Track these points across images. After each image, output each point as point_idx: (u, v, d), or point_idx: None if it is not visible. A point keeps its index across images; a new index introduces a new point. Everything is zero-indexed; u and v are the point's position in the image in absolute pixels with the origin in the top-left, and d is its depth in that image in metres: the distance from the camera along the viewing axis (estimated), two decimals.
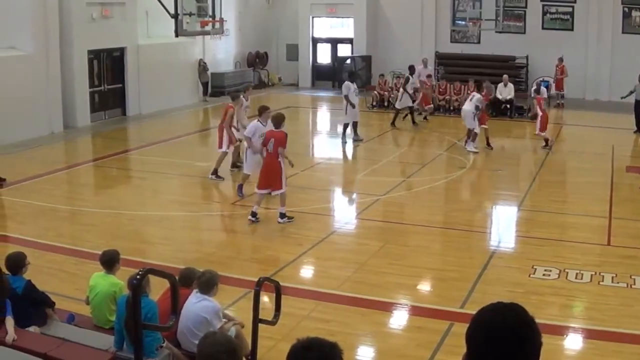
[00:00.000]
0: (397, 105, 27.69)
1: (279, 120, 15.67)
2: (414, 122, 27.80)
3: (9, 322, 8.02)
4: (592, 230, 15.32)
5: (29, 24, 24.36)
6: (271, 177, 15.36)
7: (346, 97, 24.39)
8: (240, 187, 17.69)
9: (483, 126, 23.22)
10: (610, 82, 33.34)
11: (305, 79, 39.49)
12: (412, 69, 28.10)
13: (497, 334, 2.95)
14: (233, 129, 19.51)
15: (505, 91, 29.55)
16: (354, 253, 14.16)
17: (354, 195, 19.07)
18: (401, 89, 27.71)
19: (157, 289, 8.74)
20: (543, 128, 23.07)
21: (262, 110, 17.08)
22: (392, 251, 14.03)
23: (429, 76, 30.32)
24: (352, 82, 24.94)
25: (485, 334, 2.98)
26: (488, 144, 23.39)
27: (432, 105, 29.69)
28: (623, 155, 22.74)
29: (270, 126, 16.01)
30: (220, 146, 19.56)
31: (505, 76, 29.96)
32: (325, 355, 3.53)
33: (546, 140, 23.50)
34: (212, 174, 19.35)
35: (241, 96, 20.72)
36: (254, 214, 15.62)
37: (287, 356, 3.53)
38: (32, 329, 8.47)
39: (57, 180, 19.87)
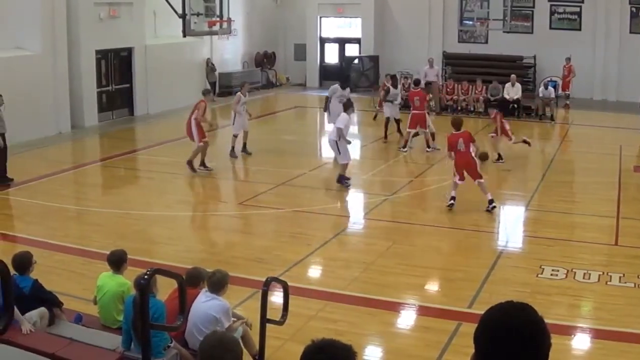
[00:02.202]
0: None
1: (458, 123, 16.99)
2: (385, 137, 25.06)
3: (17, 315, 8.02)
4: (600, 230, 15.29)
5: (37, 24, 24.41)
6: (470, 171, 16.73)
7: (328, 98, 24.33)
8: (343, 177, 18.54)
9: (412, 130, 23.03)
10: (618, 82, 33.33)
11: (312, 79, 39.49)
12: (394, 80, 26.76)
13: (503, 333, 2.93)
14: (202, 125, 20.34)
15: (513, 91, 29.45)
16: (362, 253, 14.15)
17: (362, 195, 19.06)
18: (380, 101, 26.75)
19: (165, 289, 8.75)
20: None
21: (350, 105, 19.04)
22: (399, 251, 14.03)
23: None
24: (343, 88, 24.43)
25: (491, 334, 2.96)
26: (428, 146, 23.17)
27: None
28: (631, 155, 22.67)
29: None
30: (194, 139, 20.19)
31: (513, 76, 29.83)
32: (337, 357, 3.50)
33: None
34: (201, 165, 20.11)
35: (238, 92, 22.26)
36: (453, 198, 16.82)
37: (300, 358, 3.52)
38: (33, 313, 8.47)
39: (65, 180, 19.92)
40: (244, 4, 36.85)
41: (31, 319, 8.30)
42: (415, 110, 22.84)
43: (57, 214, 16.39)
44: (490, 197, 16.56)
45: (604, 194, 18.18)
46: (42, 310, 8.61)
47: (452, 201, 16.75)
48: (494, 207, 16.49)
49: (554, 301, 11.43)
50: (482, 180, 16.78)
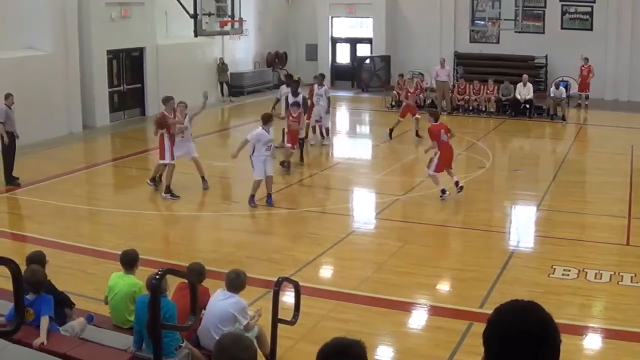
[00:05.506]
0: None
1: (436, 115, 18.24)
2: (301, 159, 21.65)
3: (44, 322, 8.00)
4: (611, 230, 15.24)
5: (48, 24, 24.48)
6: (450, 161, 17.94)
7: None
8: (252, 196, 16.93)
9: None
10: (629, 82, 33.20)
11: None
12: (319, 79, 24.73)
13: (516, 335, 2.91)
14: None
15: (524, 91, 29.38)
16: (373, 253, 14.15)
17: (374, 195, 19.06)
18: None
19: (173, 288, 8.79)
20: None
21: (267, 119, 16.70)
22: (411, 251, 14.02)
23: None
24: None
25: (504, 336, 2.93)
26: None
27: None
28: None
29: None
30: (163, 157, 18.09)
31: (525, 76, 29.72)
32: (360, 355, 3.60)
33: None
34: (166, 192, 17.59)
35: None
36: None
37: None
38: (74, 324, 8.51)
39: (76, 180, 19.95)
40: (256, 4, 36.83)
41: (73, 330, 8.33)
42: None
43: (69, 214, 16.43)
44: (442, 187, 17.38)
45: (615, 194, 18.12)
46: (81, 320, 8.62)
47: (445, 193, 17.36)
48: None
49: (566, 301, 11.41)
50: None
